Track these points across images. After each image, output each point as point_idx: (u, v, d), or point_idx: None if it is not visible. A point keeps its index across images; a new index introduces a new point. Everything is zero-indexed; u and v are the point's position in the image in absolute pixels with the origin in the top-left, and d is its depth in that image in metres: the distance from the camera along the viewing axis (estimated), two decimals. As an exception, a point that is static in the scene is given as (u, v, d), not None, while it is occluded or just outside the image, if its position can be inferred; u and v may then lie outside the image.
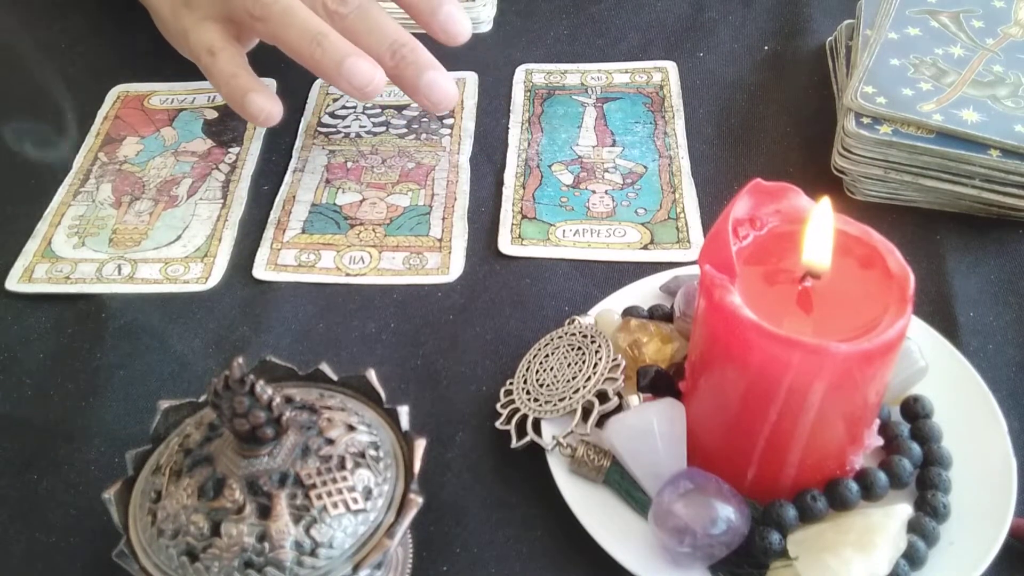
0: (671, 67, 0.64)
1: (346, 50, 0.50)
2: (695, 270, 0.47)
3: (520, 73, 0.65)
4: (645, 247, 0.52)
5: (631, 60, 0.65)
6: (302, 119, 0.62)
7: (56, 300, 0.51)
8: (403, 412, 0.36)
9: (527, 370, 0.45)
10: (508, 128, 0.60)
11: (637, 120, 0.61)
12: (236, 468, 0.33)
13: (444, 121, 0.61)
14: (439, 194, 0.56)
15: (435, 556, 0.40)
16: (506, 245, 0.53)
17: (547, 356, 0.45)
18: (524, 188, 0.56)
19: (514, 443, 0.42)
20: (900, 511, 0.38)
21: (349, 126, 0.61)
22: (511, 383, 0.45)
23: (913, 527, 0.38)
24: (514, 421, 0.43)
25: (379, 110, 0.62)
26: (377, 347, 0.49)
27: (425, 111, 0.53)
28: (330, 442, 0.34)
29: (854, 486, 0.39)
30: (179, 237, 0.54)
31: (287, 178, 0.58)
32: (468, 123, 0.61)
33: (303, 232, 0.54)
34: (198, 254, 0.53)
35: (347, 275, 0.52)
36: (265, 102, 0.52)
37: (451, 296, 0.51)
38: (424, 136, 0.60)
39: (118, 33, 0.70)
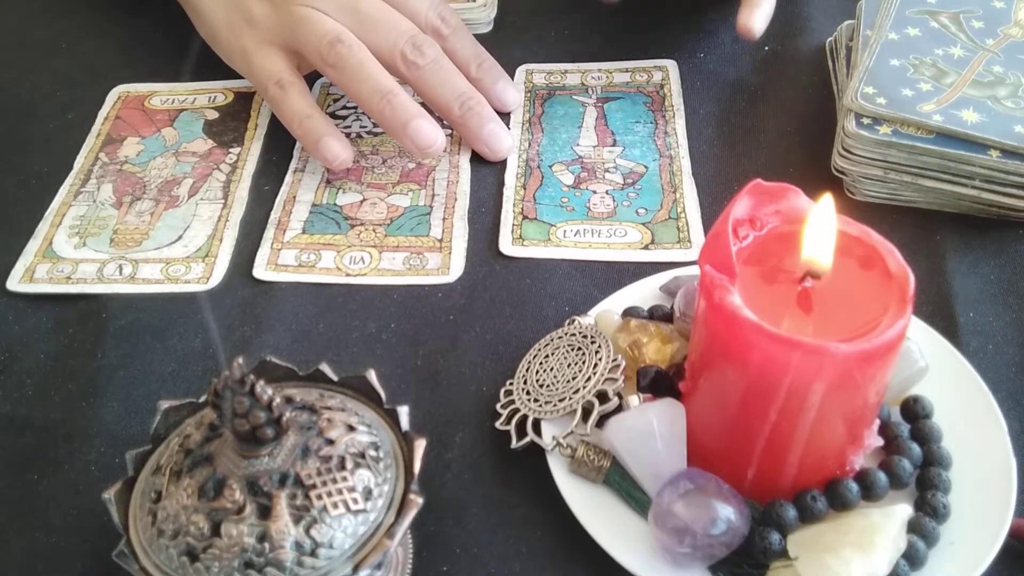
0: (671, 66, 0.64)
1: (413, 111, 0.54)
2: (695, 270, 0.47)
3: (520, 73, 0.65)
4: (646, 247, 0.53)
5: (631, 60, 0.65)
6: (302, 119, 0.62)
7: (57, 300, 0.51)
8: (403, 412, 0.36)
9: (527, 370, 0.45)
10: (508, 128, 0.60)
11: (637, 120, 0.61)
12: (236, 468, 0.33)
13: (444, 122, 0.61)
14: (439, 194, 0.56)
15: (435, 556, 0.40)
16: (507, 245, 0.53)
17: (547, 356, 0.45)
18: (525, 188, 0.56)
19: (514, 443, 0.42)
20: (900, 511, 0.38)
21: (350, 127, 0.61)
22: (511, 383, 0.45)
23: (913, 527, 0.38)
24: (514, 421, 0.43)
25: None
26: (377, 347, 0.49)
27: (484, 158, 0.58)
28: (330, 442, 0.34)
29: (854, 486, 0.39)
30: (180, 237, 0.54)
31: (288, 178, 0.58)
32: (468, 123, 0.61)
33: (303, 232, 0.54)
34: (199, 254, 0.53)
35: (347, 275, 0.52)
36: (341, 148, 0.55)
37: (451, 296, 0.51)
38: (424, 136, 0.60)
39: (118, 33, 0.70)
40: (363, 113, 0.62)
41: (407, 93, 0.55)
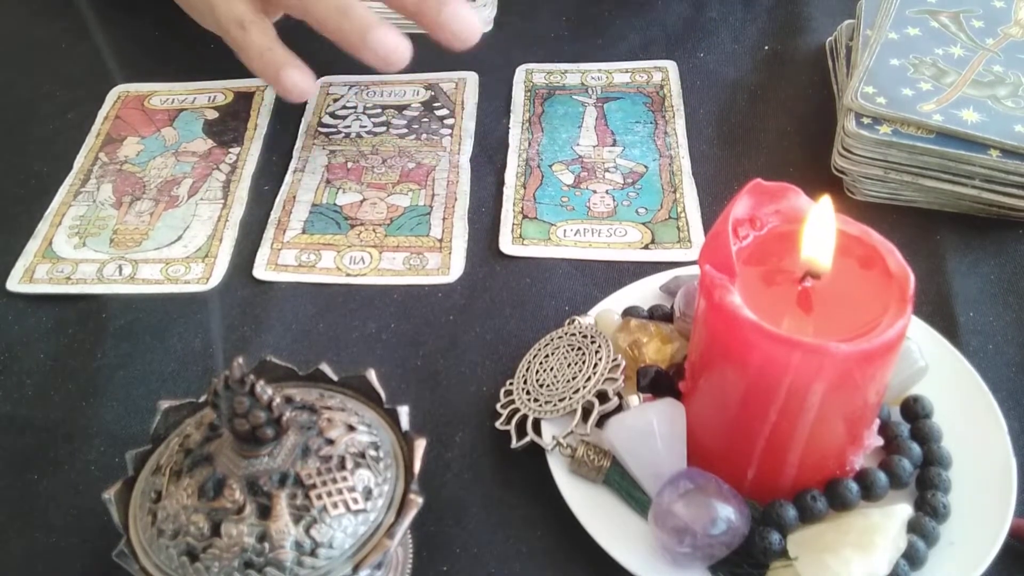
0: (671, 67, 0.64)
1: (371, 21, 0.50)
2: (695, 270, 0.47)
3: (520, 73, 0.65)
4: (646, 247, 0.53)
5: (631, 60, 0.65)
6: (302, 119, 0.62)
7: (57, 300, 0.51)
8: (403, 412, 0.36)
9: (527, 370, 0.45)
10: (508, 128, 0.60)
11: (637, 120, 0.61)
12: (236, 468, 0.33)
13: (444, 121, 0.61)
14: (439, 194, 0.56)
15: (435, 556, 0.40)
16: (507, 245, 0.53)
17: (547, 356, 0.45)
18: (525, 188, 0.56)
19: (514, 443, 0.42)
20: (900, 511, 0.38)
21: (349, 126, 0.61)
22: (511, 383, 0.45)
23: (913, 527, 0.38)
24: (514, 421, 0.43)
25: (379, 110, 0.62)
26: (377, 347, 0.49)
27: (451, 47, 0.52)
28: (330, 442, 0.34)
29: (854, 486, 0.39)
30: (180, 237, 0.54)
31: (287, 178, 0.58)
32: (468, 123, 0.61)
33: (303, 232, 0.54)
34: (199, 254, 0.53)
35: (347, 275, 0.52)
36: (300, 77, 0.52)
37: (451, 296, 0.51)
38: (424, 136, 0.60)
39: (118, 33, 0.70)
40: (363, 113, 0.62)
41: (366, 6, 0.51)
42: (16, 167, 0.60)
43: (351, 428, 0.35)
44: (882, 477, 0.39)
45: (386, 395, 0.37)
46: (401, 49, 0.51)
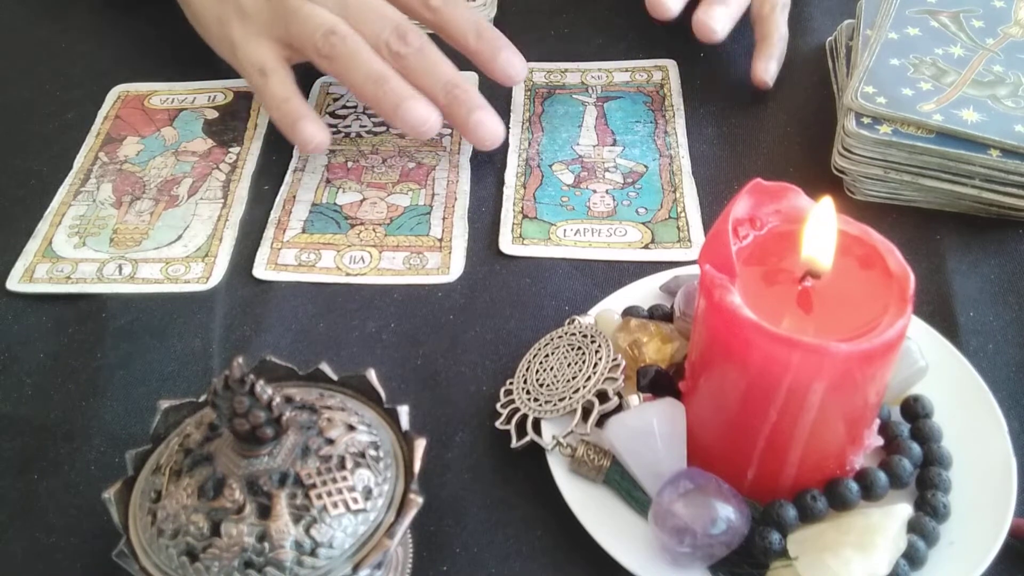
0: (671, 66, 0.64)
1: (405, 93, 0.53)
2: (695, 270, 0.47)
3: (520, 73, 0.65)
4: (646, 246, 0.53)
5: (631, 59, 0.65)
6: (302, 119, 0.62)
7: (57, 300, 0.51)
8: (403, 412, 0.36)
9: (527, 370, 0.45)
10: (508, 128, 0.60)
11: (638, 119, 0.61)
12: (236, 468, 0.33)
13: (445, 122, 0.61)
14: (439, 194, 0.56)
15: (435, 556, 0.40)
16: (507, 245, 0.53)
17: (547, 356, 0.45)
18: (525, 188, 0.56)
19: (514, 443, 0.42)
20: (900, 511, 0.38)
21: (350, 126, 0.61)
22: (511, 383, 0.45)
23: (913, 527, 0.38)
24: (514, 421, 0.43)
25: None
26: (377, 347, 0.49)
27: (474, 146, 0.57)
28: (330, 442, 0.34)
29: (854, 486, 0.39)
30: (180, 237, 0.54)
31: (287, 178, 0.58)
32: (468, 123, 0.61)
33: (303, 232, 0.54)
34: (199, 254, 0.53)
35: (347, 275, 0.52)
36: (316, 130, 0.55)
37: (451, 296, 0.51)
38: (424, 136, 0.60)
39: (118, 33, 0.70)
40: (363, 112, 0.62)
41: (401, 79, 0.54)
42: (16, 167, 0.60)
43: (351, 428, 0.35)
44: (882, 477, 0.39)
45: (386, 395, 0.37)
46: (432, 121, 0.54)
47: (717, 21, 0.59)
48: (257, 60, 0.55)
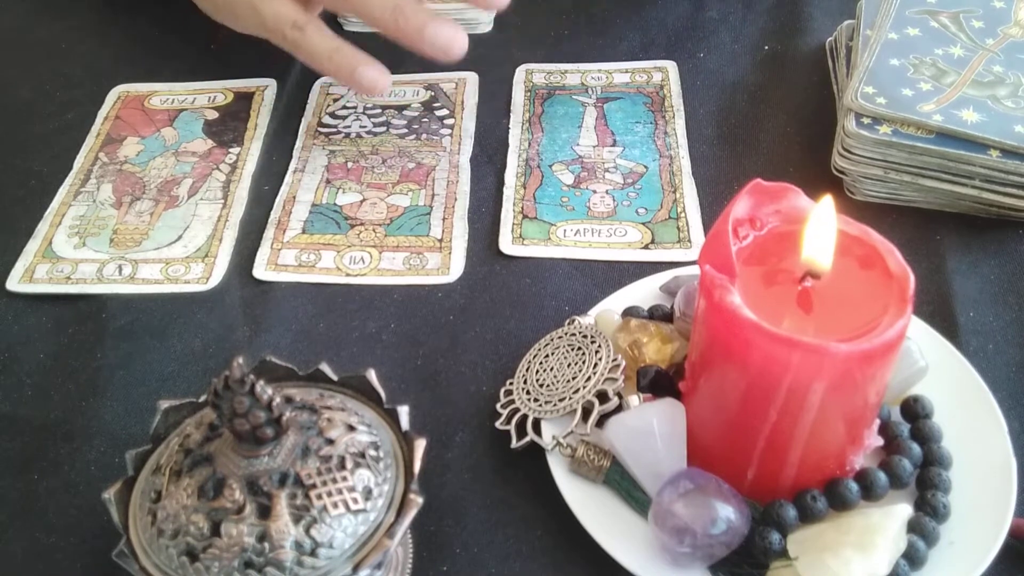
0: (671, 67, 0.64)
1: (426, 17, 0.52)
2: (695, 270, 0.47)
3: (520, 73, 0.65)
4: (646, 247, 0.53)
5: (631, 60, 0.65)
6: (302, 119, 0.62)
7: (57, 300, 0.51)
8: (403, 412, 0.36)
9: (527, 370, 0.45)
10: (508, 128, 0.60)
11: (637, 120, 0.61)
12: (236, 468, 0.33)
13: (444, 121, 0.61)
14: (439, 194, 0.56)
15: (435, 556, 0.40)
16: (507, 245, 0.53)
17: (547, 356, 0.45)
18: (525, 188, 0.56)
19: (514, 443, 0.42)
20: (900, 511, 0.38)
21: (349, 126, 0.61)
22: (511, 383, 0.45)
23: (913, 527, 0.38)
24: (514, 421, 0.43)
25: (379, 110, 0.62)
26: (377, 347, 0.49)
27: (438, 61, 0.54)
28: (330, 442, 0.34)
29: (854, 486, 0.39)
30: (180, 237, 0.54)
31: (287, 178, 0.58)
32: (468, 123, 0.61)
33: (303, 232, 0.54)
34: (199, 254, 0.53)
35: (347, 275, 0.52)
36: (377, 74, 0.54)
37: (451, 296, 0.51)
38: (424, 136, 0.60)
39: (118, 33, 0.70)
40: (363, 112, 0.62)
41: (418, 3, 0.53)
42: (16, 167, 0.60)
43: (351, 428, 0.35)
44: (882, 477, 0.39)
45: (386, 395, 0.37)
46: (459, 40, 0.53)
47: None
48: (286, 15, 0.54)
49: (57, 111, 0.64)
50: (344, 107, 0.63)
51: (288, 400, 0.35)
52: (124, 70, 0.66)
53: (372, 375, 0.37)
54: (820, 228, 0.37)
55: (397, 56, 0.57)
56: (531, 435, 0.42)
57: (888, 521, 0.37)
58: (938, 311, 0.48)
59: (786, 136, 0.59)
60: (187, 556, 0.32)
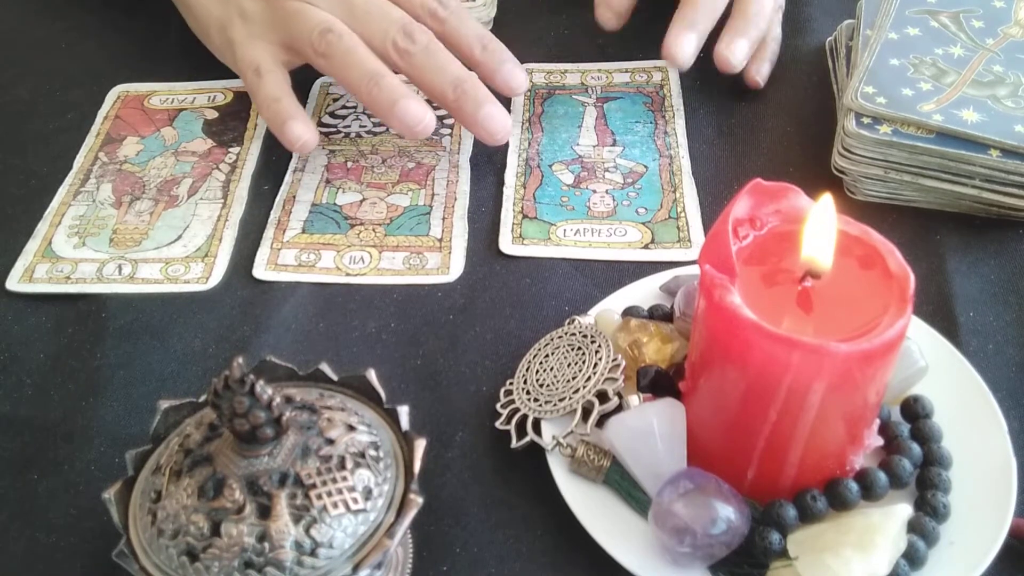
0: (671, 67, 0.64)
1: (400, 92, 0.53)
2: (695, 270, 0.47)
3: (520, 73, 0.65)
4: (646, 246, 0.53)
5: (631, 60, 0.65)
6: (302, 119, 0.62)
7: (56, 300, 0.51)
8: (403, 412, 0.36)
9: (527, 370, 0.45)
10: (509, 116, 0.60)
11: (637, 120, 0.61)
12: (236, 468, 0.33)
13: (444, 121, 0.61)
14: (439, 194, 0.56)
15: (435, 556, 0.40)
16: (507, 245, 0.53)
17: (547, 356, 0.45)
18: (525, 188, 0.56)
19: (514, 443, 0.42)
20: (900, 511, 0.38)
21: (349, 126, 0.61)
22: (511, 383, 0.45)
23: (913, 527, 0.38)
24: (514, 421, 0.43)
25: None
26: (377, 347, 0.49)
27: (483, 142, 0.57)
28: (330, 442, 0.34)
29: (854, 486, 0.39)
30: (179, 237, 0.54)
31: (287, 178, 0.58)
32: (468, 123, 0.61)
33: (303, 232, 0.54)
34: (199, 254, 0.53)
35: (347, 275, 0.52)
36: (303, 130, 0.55)
37: (451, 296, 0.51)
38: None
39: (118, 33, 0.70)
40: (363, 112, 0.62)
41: (397, 78, 0.54)
42: (16, 167, 0.60)
43: (351, 428, 0.35)
44: (882, 477, 0.39)
45: (386, 395, 0.37)
46: (427, 121, 0.53)
47: (735, 54, 0.59)
48: (253, 60, 0.56)
49: (57, 111, 0.64)
50: (344, 107, 0.63)
51: (288, 400, 0.35)
52: (124, 70, 0.66)
53: (372, 375, 0.37)
54: (820, 228, 0.37)
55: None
56: (531, 435, 0.42)
57: (888, 521, 0.37)
58: (938, 311, 0.48)
59: (786, 136, 0.59)
60: (187, 556, 0.32)
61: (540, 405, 0.43)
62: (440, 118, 0.61)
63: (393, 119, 0.53)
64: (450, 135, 0.60)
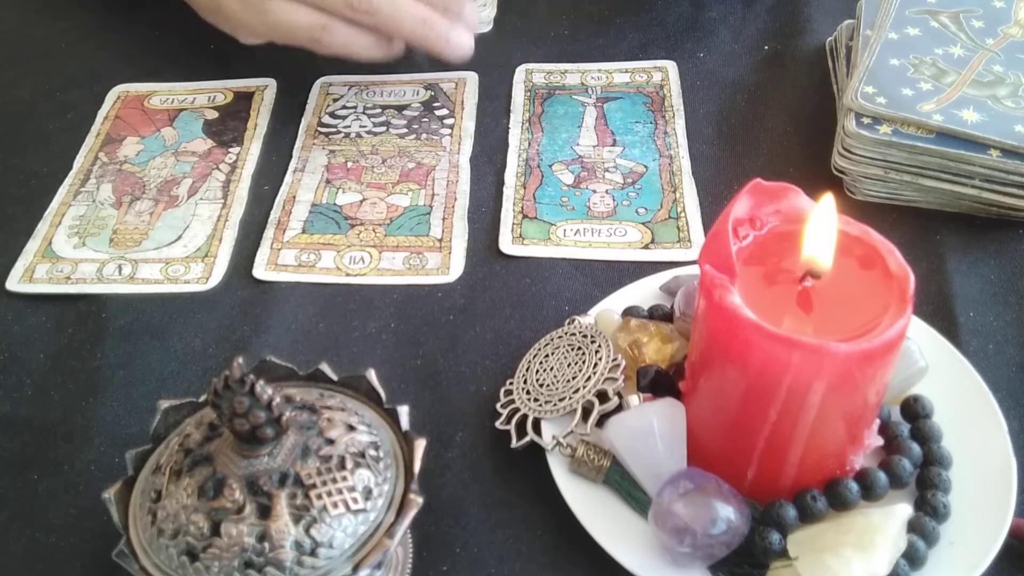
0: (671, 67, 0.64)
1: (448, 26, 0.58)
2: (695, 270, 0.47)
3: (520, 73, 0.65)
4: (646, 246, 0.53)
5: (631, 60, 0.65)
6: (302, 119, 0.62)
7: (56, 300, 0.51)
8: (403, 412, 0.36)
9: (527, 370, 0.45)
10: (508, 128, 0.60)
11: (637, 120, 0.61)
12: (236, 468, 0.33)
13: (444, 121, 0.61)
14: (439, 194, 0.56)
15: (435, 556, 0.40)
16: (507, 245, 0.53)
17: (547, 356, 0.45)
18: (525, 188, 0.56)
19: (514, 443, 0.42)
20: (900, 511, 0.38)
21: (349, 126, 0.61)
22: (511, 383, 0.45)
23: (913, 527, 0.38)
24: (514, 421, 0.43)
25: (379, 110, 0.62)
26: (377, 347, 0.49)
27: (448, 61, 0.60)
28: (330, 442, 0.34)
29: (854, 486, 0.39)
30: (179, 237, 0.54)
31: (287, 178, 0.58)
32: (468, 123, 0.61)
33: (303, 232, 0.54)
34: (199, 254, 0.53)
35: (347, 275, 0.52)
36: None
37: (451, 296, 0.51)
38: (424, 136, 0.60)
39: (118, 33, 0.70)
40: (363, 112, 0.62)
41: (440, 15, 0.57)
42: (16, 167, 0.60)
43: (351, 428, 0.35)
44: (882, 477, 0.39)
45: (386, 395, 0.37)
46: (472, 44, 0.59)
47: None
48: (305, 23, 0.56)
49: (57, 111, 0.64)
50: (344, 107, 0.63)
51: (288, 400, 0.35)
52: (124, 70, 0.66)
53: (372, 375, 0.37)
54: (820, 228, 0.37)
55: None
56: (531, 435, 0.42)
57: (888, 521, 0.37)
58: (938, 311, 0.48)
59: (786, 136, 0.59)
60: (187, 556, 0.32)
61: (540, 405, 0.43)
62: (440, 118, 0.61)
63: (449, 50, 0.58)
64: (450, 135, 0.60)
